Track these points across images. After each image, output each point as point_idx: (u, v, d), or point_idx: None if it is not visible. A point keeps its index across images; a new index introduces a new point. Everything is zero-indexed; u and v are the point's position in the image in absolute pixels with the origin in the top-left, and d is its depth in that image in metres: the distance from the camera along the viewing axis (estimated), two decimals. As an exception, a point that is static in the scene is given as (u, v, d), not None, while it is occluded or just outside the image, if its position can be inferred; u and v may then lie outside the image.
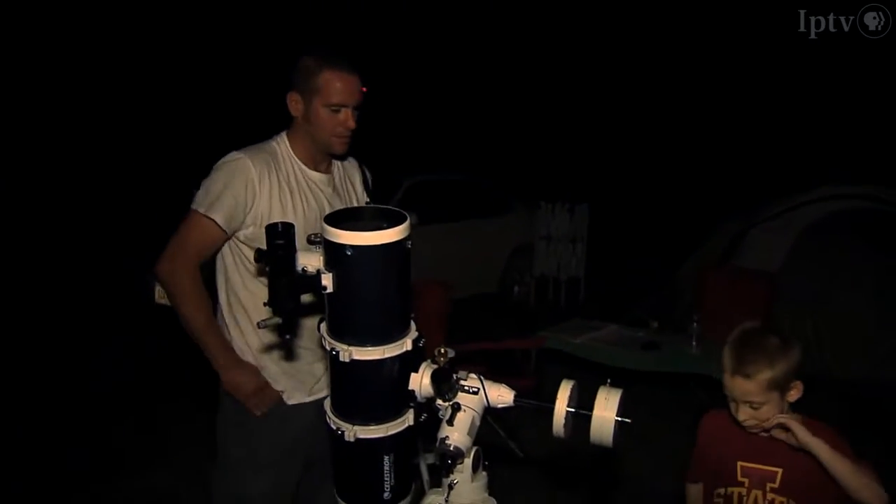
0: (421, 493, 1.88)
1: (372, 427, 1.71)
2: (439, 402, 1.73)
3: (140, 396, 5.46)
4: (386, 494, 1.78)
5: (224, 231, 2.48)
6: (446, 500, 1.76)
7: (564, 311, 8.28)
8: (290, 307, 1.68)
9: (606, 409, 1.62)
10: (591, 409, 1.64)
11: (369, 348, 1.66)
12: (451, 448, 1.67)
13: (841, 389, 5.52)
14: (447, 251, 8.19)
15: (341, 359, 1.66)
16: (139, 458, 4.61)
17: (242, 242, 2.53)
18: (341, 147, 2.62)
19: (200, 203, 2.49)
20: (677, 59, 15.88)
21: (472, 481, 1.75)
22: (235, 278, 2.59)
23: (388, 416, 1.73)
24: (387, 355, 1.68)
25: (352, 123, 2.57)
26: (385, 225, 1.63)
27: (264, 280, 2.23)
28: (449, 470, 1.69)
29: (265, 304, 1.70)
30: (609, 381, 1.70)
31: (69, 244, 10.20)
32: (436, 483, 1.78)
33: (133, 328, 6.46)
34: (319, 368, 2.68)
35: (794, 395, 2.19)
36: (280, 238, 1.63)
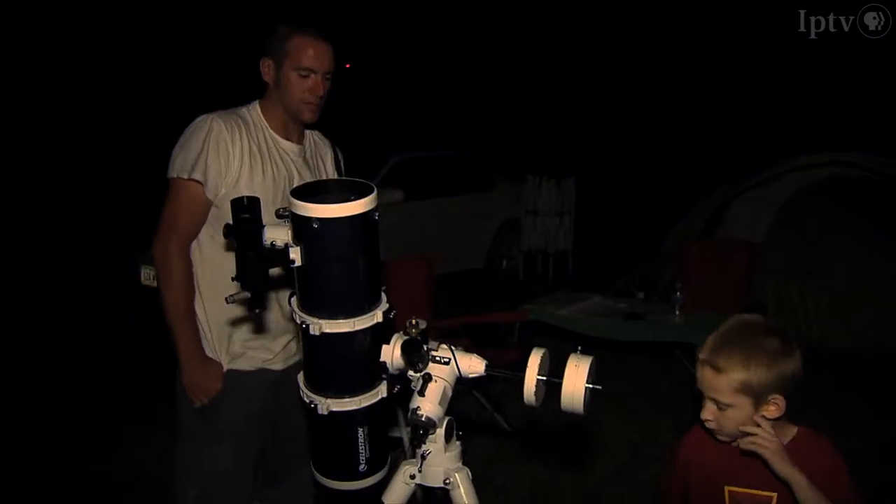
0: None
1: (345, 400, 1.71)
2: (411, 373, 1.73)
3: (132, 378, 5.44)
4: (361, 467, 1.79)
5: (208, 194, 2.45)
6: (419, 471, 1.77)
7: (553, 284, 8.30)
8: (258, 281, 1.68)
9: (577, 377, 1.63)
10: (562, 377, 1.64)
11: (339, 321, 1.66)
12: (423, 418, 1.68)
13: (825, 357, 5.56)
14: (433, 227, 8.20)
15: (312, 332, 1.66)
16: (132, 438, 4.60)
17: (216, 207, 2.48)
18: (310, 114, 2.59)
19: (180, 168, 2.45)
20: (663, 32, 15.83)
21: (446, 451, 1.76)
22: (206, 249, 2.54)
23: (361, 389, 1.73)
24: (357, 328, 1.68)
25: (321, 90, 2.55)
26: (351, 197, 1.62)
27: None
28: (421, 440, 1.70)
29: (233, 279, 1.69)
30: (580, 348, 1.70)
31: (59, 229, 10.16)
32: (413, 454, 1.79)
33: (122, 311, 6.44)
34: (282, 340, 2.65)
35: (773, 411, 1.85)
36: (246, 212, 1.62)
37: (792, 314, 6.13)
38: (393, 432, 1.96)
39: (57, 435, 4.67)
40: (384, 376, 1.76)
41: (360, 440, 1.76)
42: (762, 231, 6.37)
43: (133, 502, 3.97)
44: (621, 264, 8.30)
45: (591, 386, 1.63)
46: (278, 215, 1.69)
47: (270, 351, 2.63)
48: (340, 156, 2.89)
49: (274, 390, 2.66)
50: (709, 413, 1.92)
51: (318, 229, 1.59)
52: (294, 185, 2.36)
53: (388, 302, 1.75)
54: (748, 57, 14.34)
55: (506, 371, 1.72)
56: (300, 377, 1.79)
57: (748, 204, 6.72)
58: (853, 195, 6.49)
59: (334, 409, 1.71)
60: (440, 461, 1.76)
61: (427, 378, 1.71)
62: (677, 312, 4.66)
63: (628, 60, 16.48)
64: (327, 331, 1.66)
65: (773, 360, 1.82)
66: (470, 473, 1.79)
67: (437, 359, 1.74)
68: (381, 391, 1.76)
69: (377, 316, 1.71)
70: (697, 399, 4.99)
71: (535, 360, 1.67)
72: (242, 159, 2.46)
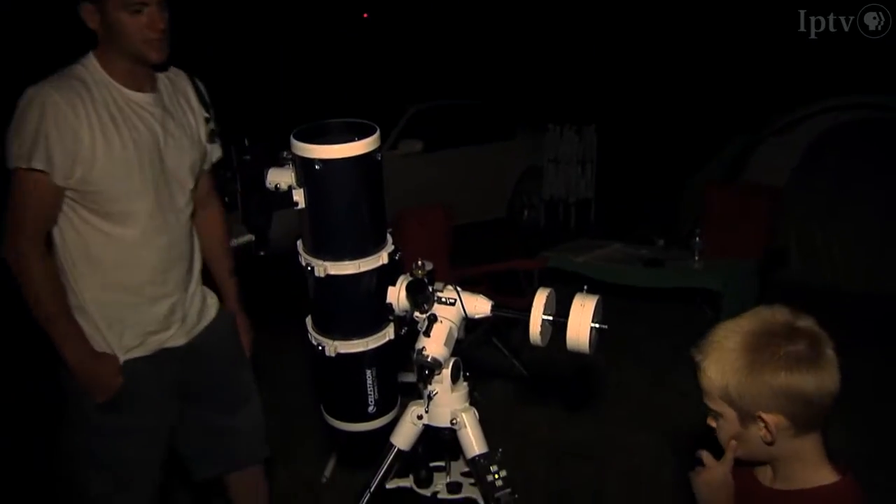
0: None
1: (352, 342, 1.72)
2: (416, 314, 1.74)
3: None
4: (371, 409, 1.80)
5: (56, 181, 2.10)
6: (426, 411, 1.78)
7: (575, 233, 8.26)
8: (261, 223, 1.68)
9: (582, 316, 1.62)
10: (567, 316, 1.64)
11: (345, 263, 1.66)
12: (428, 359, 1.68)
13: (847, 302, 5.51)
14: (454, 177, 8.15)
15: (317, 274, 1.66)
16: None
17: (73, 190, 2.14)
18: (157, 53, 2.19)
19: (17, 157, 2.08)
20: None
21: (452, 391, 1.77)
22: (72, 235, 2.21)
23: (368, 331, 1.74)
24: (363, 269, 1.67)
25: (161, 22, 2.16)
26: (354, 137, 1.61)
27: (109, 226, 2.17)
28: (427, 381, 1.71)
29: (242, 222, 1.70)
30: (586, 287, 1.69)
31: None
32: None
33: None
34: (178, 315, 2.40)
35: (764, 434, 1.45)
36: (247, 153, 1.62)
37: (814, 260, 6.07)
38: (405, 377, 1.96)
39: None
40: (391, 318, 1.77)
41: (368, 382, 1.77)
42: (786, 176, 6.28)
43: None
44: (643, 212, 8.24)
45: (596, 325, 1.63)
46: (282, 158, 1.68)
47: (167, 330, 2.37)
48: (201, 86, 2.49)
49: (181, 363, 2.43)
50: (710, 419, 1.57)
51: (320, 171, 1.58)
52: (162, 143, 2.24)
53: (393, 244, 1.75)
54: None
55: (512, 311, 1.72)
56: (308, 320, 1.79)
57: (772, 149, 6.61)
58: (879, 138, 6.35)
59: (342, 352, 1.72)
60: (447, 402, 1.77)
61: (432, 319, 1.71)
62: (697, 258, 4.63)
63: (650, 5, 16.16)
64: (332, 273, 1.65)
65: (762, 369, 1.40)
66: (477, 414, 1.80)
67: (443, 300, 1.74)
68: (389, 333, 1.76)
69: (382, 257, 1.70)
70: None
71: (540, 299, 1.66)
72: (93, 133, 2.10)
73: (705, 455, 1.56)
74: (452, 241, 5.20)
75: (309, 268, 1.67)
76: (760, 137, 6.83)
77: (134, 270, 2.25)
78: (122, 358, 2.28)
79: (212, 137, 2.43)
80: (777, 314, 1.46)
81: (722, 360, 1.45)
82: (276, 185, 1.65)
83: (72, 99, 2.08)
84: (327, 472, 3.61)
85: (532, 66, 16.36)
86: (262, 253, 1.74)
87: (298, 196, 1.63)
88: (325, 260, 1.66)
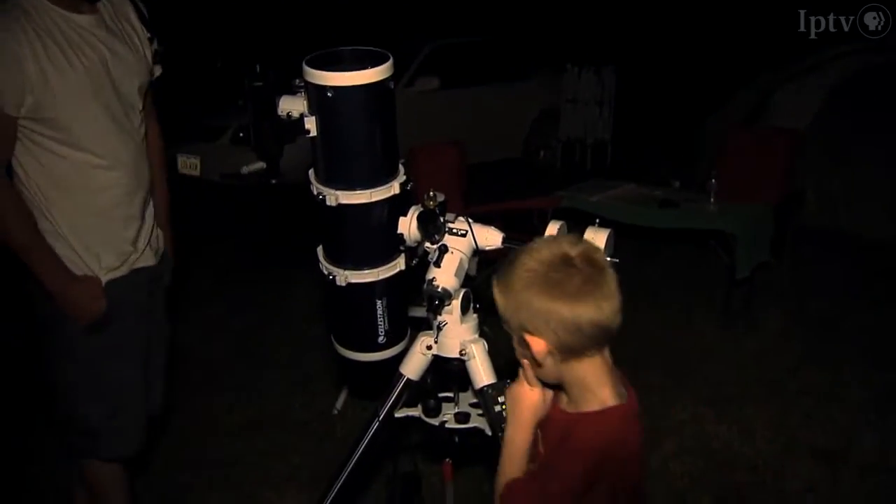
0: None
1: (363, 272, 1.73)
2: (427, 244, 1.74)
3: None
4: (380, 339, 1.82)
5: (8, 111, 2.04)
6: (435, 342, 1.80)
7: (591, 174, 8.18)
8: (274, 151, 1.68)
9: (593, 248, 1.61)
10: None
11: (356, 192, 1.66)
12: (439, 289, 1.69)
13: (863, 248, 5.48)
14: (469, 116, 8.08)
15: (328, 203, 1.66)
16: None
17: (29, 119, 2.08)
18: None
19: None
20: None
21: (462, 322, 1.77)
22: (34, 165, 2.16)
23: (379, 261, 1.74)
24: (374, 199, 1.67)
25: None
26: (367, 65, 1.59)
27: (70, 151, 2.13)
28: (436, 311, 1.71)
29: (251, 149, 1.69)
30: (598, 221, 1.68)
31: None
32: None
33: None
34: (145, 234, 2.39)
35: (520, 354, 1.49)
36: (259, 80, 1.61)
37: (831, 206, 6.00)
38: (415, 312, 1.97)
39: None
40: (402, 249, 1.77)
41: (378, 312, 1.78)
42: (808, 119, 6.16)
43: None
44: (660, 154, 8.15)
45: (607, 259, 1.62)
46: (294, 86, 1.67)
47: (139, 250, 2.37)
48: (143, 7, 2.43)
49: (150, 283, 2.45)
50: None
51: (332, 98, 1.57)
52: (111, 65, 2.18)
53: (405, 174, 1.74)
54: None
55: (523, 243, 1.71)
56: (319, 250, 1.80)
57: (796, 89, 6.46)
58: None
59: (353, 281, 1.73)
60: (456, 332, 1.78)
61: (443, 249, 1.72)
62: (712, 201, 4.58)
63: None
64: (344, 202, 1.66)
65: (527, 292, 1.39)
66: (486, 345, 1.81)
67: (454, 231, 1.74)
68: (400, 264, 1.77)
69: (394, 187, 1.70)
70: (730, 290, 4.96)
71: (552, 230, 1.66)
72: (40, 63, 2.04)
73: (520, 370, 1.55)
74: (466, 178, 5.18)
75: (320, 197, 1.67)
76: (785, 77, 6.66)
77: (102, 193, 2.22)
78: (105, 279, 2.27)
79: (156, 58, 2.42)
80: (562, 243, 1.44)
81: (502, 283, 1.44)
82: (288, 113, 1.65)
83: (14, 30, 2.01)
84: (339, 405, 3.67)
85: (550, 4, 16.03)
86: (273, 181, 1.73)
87: (310, 124, 1.63)
88: (336, 189, 1.66)
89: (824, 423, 3.54)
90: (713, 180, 4.60)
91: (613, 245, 1.65)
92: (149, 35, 2.39)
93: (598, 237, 1.62)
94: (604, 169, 8.59)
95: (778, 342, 4.34)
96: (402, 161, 1.77)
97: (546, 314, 1.37)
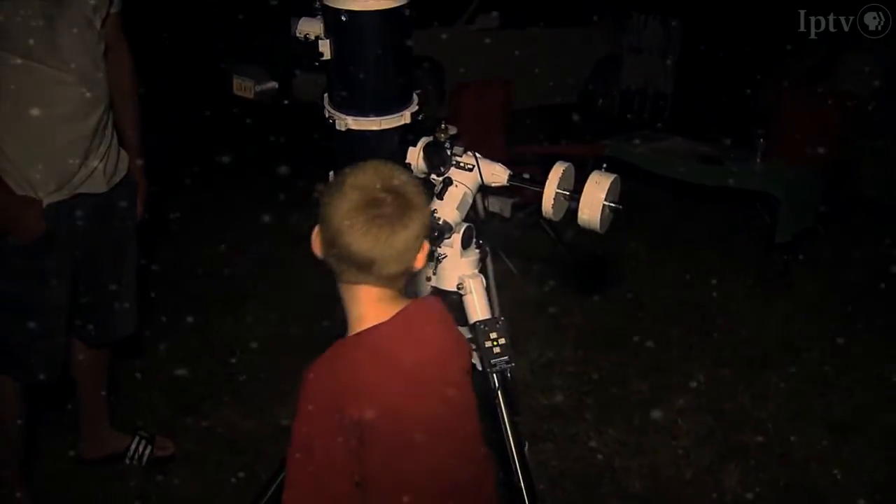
0: None
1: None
2: (433, 177, 1.75)
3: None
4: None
5: None
6: (434, 273, 1.82)
7: (647, 127, 8.05)
8: (287, 72, 1.69)
9: (596, 192, 1.61)
10: (581, 192, 1.63)
11: (367, 119, 1.66)
12: (440, 222, 1.70)
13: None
14: (528, 57, 7.95)
15: (338, 128, 1.67)
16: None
17: None
18: None
19: None
20: None
21: (462, 257, 1.79)
22: None
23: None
24: (384, 127, 1.68)
25: None
26: (384, -10, 1.58)
27: (18, 59, 2.08)
28: (436, 243, 1.73)
29: (267, 69, 1.71)
30: (605, 165, 1.68)
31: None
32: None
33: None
34: (94, 160, 2.34)
35: None
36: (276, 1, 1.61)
37: (884, 176, 5.82)
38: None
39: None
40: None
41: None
42: (870, 85, 5.95)
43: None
44: (719, 110, 7.96)
45: (610, 204, 1.62)
46: (314, 8, 1.67)
47: (87, 175, 2.34)
48: None
49: (94, 210, 2.41)
50: None
51: (346, 22, 1.57)
52: None
53: (418, 104, 1.74)
54: None
55: (528, 182, 1.71)
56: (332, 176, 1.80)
57: (862, 54, 6.23)
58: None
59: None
60: (455, 266, 1.79)
61: (447, 182, 1.72)
62: (759, 161, 4.47)
63: None
64: (354, 128, 1.66)
65: (326, 211, 1.39)
66: (485, 282, 1.83)
67: (461, 164, 1.74)
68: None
69: (405, 116, 1.70)
70: (768, 253, 4.87)
71: (556, 173, 1.65)
72: None
73: None
74: (510, 118, 5.11)
75: (331, 121, 1.68)
76: (854, 42, 6.42)
77: (50, 106, 2.18)
78: (46, 201, 2.25)
79: None
80: (380, 170, 1.40)
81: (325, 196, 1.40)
82: (304, 35, 1.65)
83: None
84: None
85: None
86: (285, 102, 1.75)
87: (324, 47, 1.63)
88: (347, 115, 1.66)
89: (843, 395, 3.51)
90: (761, 140, 4.48)
91: (618, 192, 1.65)
92: None
93: (602, 181, 1.61)
94: (662, 122, 8.42)
95: (808, 310, 4.28)
96: (418, 91, 1.77)
97: (328, 237, 1.38)
